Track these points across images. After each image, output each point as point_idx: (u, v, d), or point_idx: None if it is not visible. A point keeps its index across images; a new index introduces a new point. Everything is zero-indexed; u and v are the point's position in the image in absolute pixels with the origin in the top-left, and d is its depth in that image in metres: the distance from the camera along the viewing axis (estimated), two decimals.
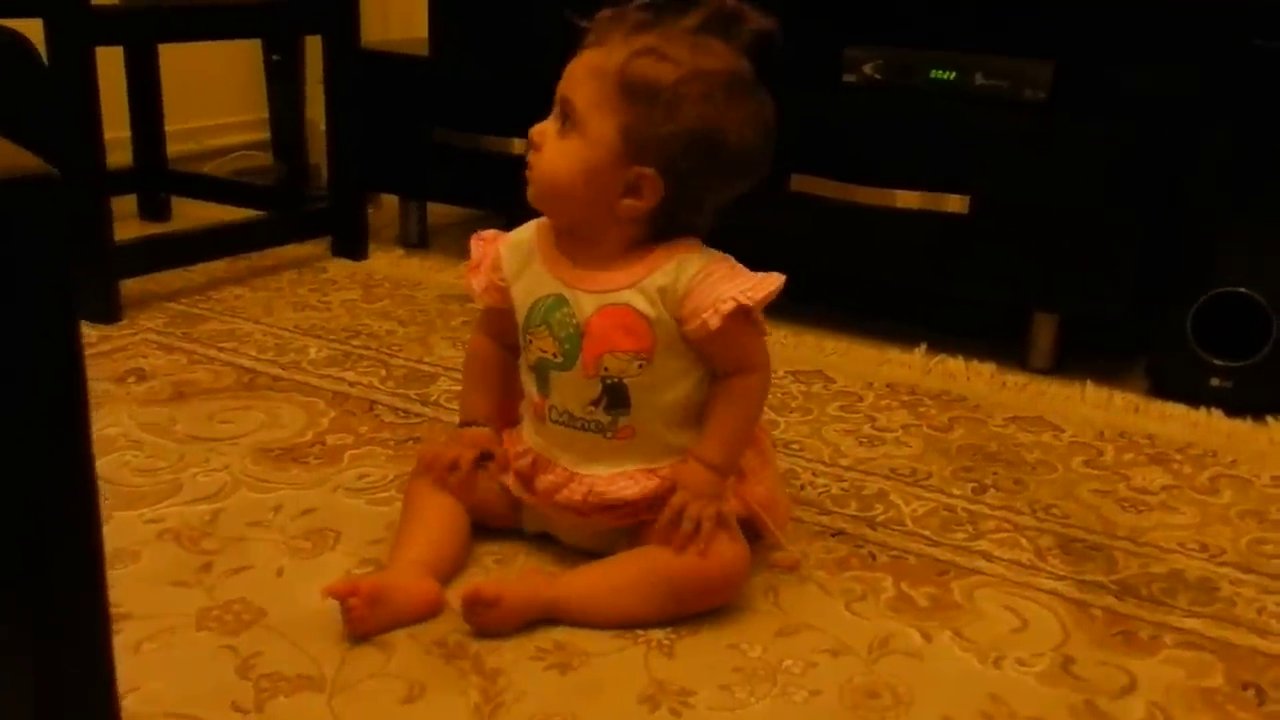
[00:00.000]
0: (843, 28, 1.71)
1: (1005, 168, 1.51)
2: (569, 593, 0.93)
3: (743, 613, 0.96)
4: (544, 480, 1.01)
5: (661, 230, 0.96)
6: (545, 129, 0.95)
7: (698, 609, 0.94)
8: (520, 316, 1.00)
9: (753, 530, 1.01)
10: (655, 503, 0.97)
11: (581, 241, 0.97)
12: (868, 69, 1.62)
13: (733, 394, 0.97)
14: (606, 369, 0.96)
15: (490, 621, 0.90)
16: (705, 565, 0.93)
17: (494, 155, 1.87)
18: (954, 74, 1.58)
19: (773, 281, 0.94)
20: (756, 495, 1.01)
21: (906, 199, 1.55)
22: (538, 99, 0.99)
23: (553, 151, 0.94)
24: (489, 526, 1.06)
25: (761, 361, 0.98)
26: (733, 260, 0.97)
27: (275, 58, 2.54)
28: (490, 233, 1.07)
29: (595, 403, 0.97)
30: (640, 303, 0.94)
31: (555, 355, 0.97)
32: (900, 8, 1.70)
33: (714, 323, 0.92)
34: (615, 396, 0.96)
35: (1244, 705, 0.87)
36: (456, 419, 1.12)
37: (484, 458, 1.04)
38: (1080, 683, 0.89)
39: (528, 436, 1.03)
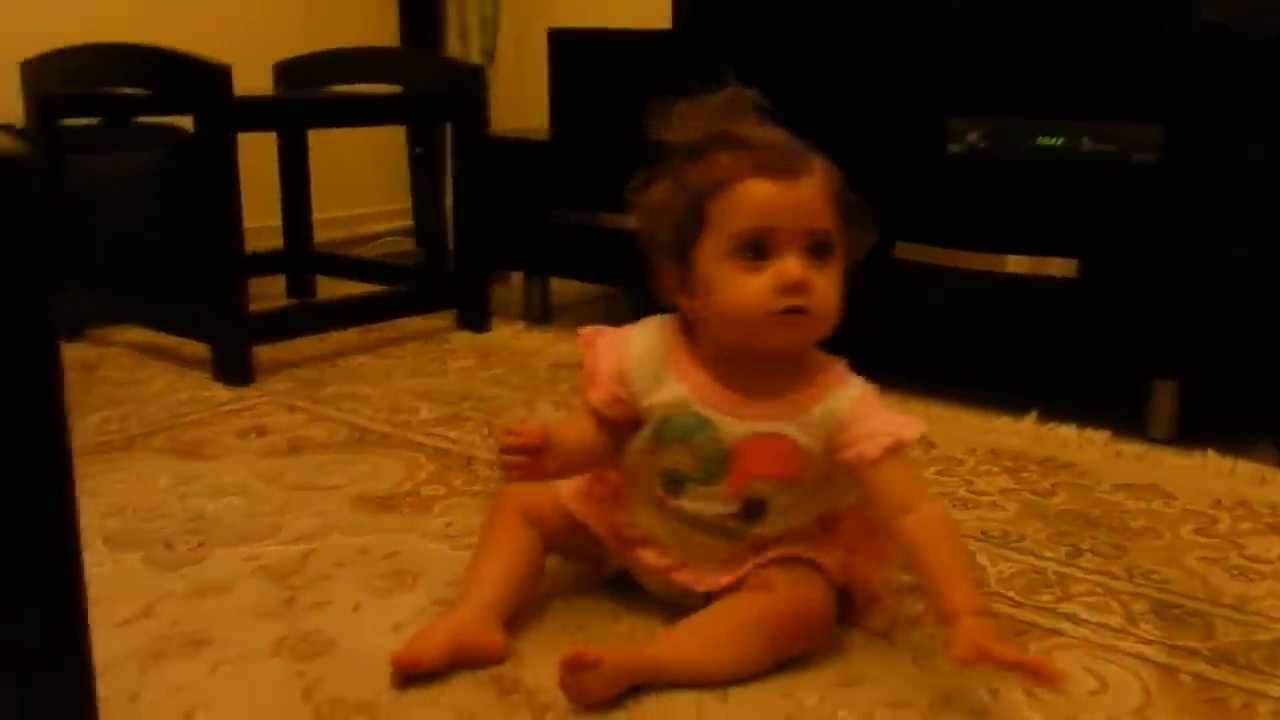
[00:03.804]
0: (946, 99, 1.71)
1: (1115, 230, 1.47)
2: (668, 653, 0.90)
3: (803, 662, 0.93)
4: (653, 558, 0.99)
5: None
6: (806, 268, 0.89)
7: (792, 652, 0.93)
8: (648, 427, 0.96)
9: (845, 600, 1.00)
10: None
11: (767, 363, 0.94)
12: (972, 138, 1.62)
13: (945, 529, 0.91)
14: (752, 489, 0.94)
15: (590, 686, 0.86)
16: (799, 604, 0.92)
17: (609, 232, 1.94)
18: (1060, 140, 1.55)
19: (919, 426, 0.93)
20: (854, 565, 0.99)
21: (1018, 264, 1.52)
22: None
23: (829, 287, 0.90)
24: (566, 557, 1.07)
25: (929, 494, 0.94)
26: (874, 389, 0.96)
27: (418, 150, 2.71)
28: (595, 333, 0.99)
29: (731, 515, 0.95)
30: (802, 437, 0.93)
31: (694, 470, 0.95)
32: (1004, 79, 1.69)
33: (871, 453, 0.90)
34: (753, 510, 0.95)
35: None
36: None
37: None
38: None
39: (640, 519, 1.00)
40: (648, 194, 0.95)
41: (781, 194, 0.88)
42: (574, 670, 0.86)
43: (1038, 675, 0.81)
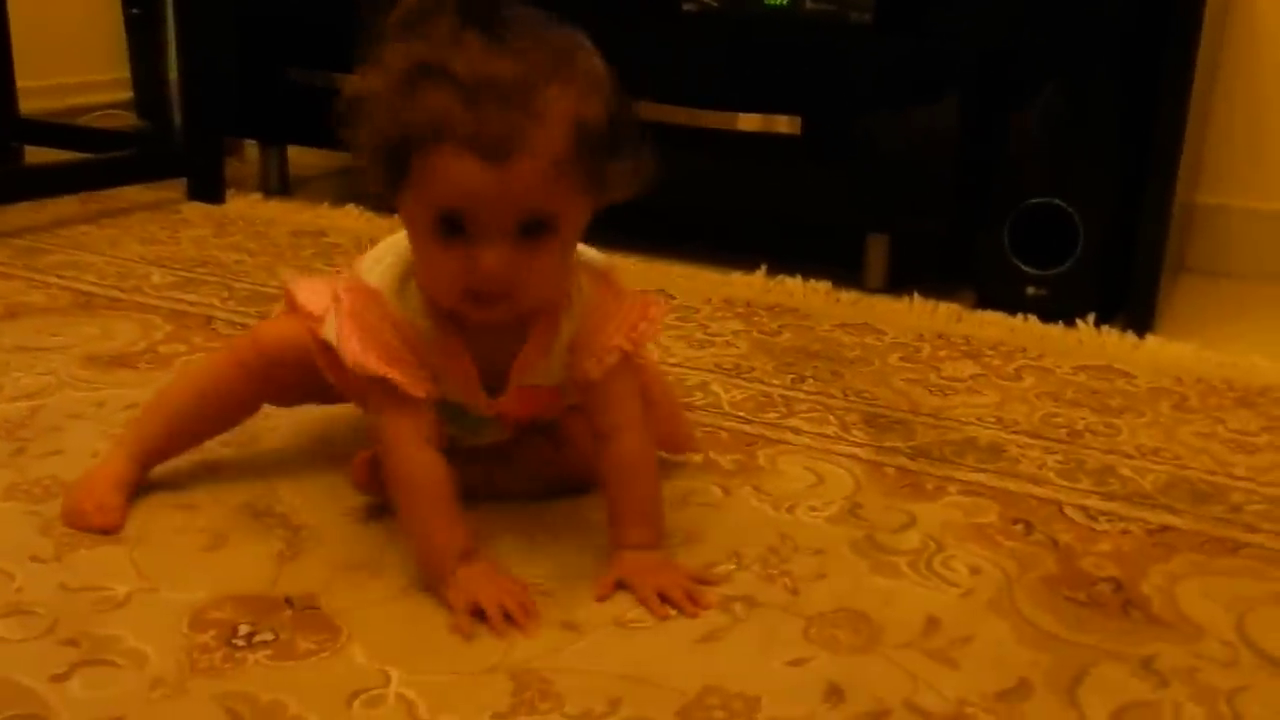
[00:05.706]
0: None
1: (833, 89, 1.57)
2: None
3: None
4: None
5: None
6: (513, 251, 0.76)
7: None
8: None
9: None
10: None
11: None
12: None
13: (635, 466, 0.88)
14: (522, 423, 0.93)
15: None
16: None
17: None
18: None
19: (658, 314, 0.88)
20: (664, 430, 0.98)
21: (748, 121, 1.61)
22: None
23: (543, 268, 0.78)
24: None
25: (639, 418, 0.88)
26: (611, 273, 0.89)
27: (134, 11, 2.51)
28: (355, 300, 0.83)
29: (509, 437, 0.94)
30: (552, 377, 0.87)
31: (459, 432, 0.90)
32: None
33: (595, 373, 0.85)
34: (530, 426, 0.94)
35: (1012, 536, 0.93)
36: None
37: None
38: (864, 522, 0.94)
39: None
40: (366, 82, 0.79)
41: (485, 178, 0.73)
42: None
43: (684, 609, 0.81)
